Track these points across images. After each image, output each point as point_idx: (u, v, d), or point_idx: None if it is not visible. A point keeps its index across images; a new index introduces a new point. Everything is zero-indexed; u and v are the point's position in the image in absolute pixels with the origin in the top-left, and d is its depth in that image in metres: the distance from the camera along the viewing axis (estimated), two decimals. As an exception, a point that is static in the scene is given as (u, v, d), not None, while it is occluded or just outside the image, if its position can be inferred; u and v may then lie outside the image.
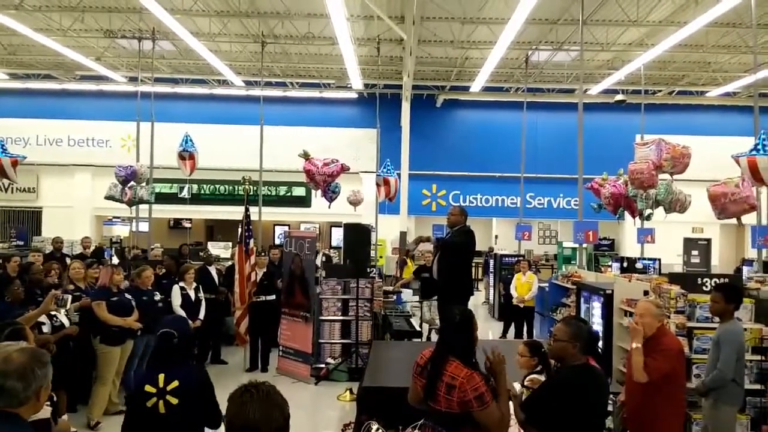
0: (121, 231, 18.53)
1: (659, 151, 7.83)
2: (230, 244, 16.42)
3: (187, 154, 12.72)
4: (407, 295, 11.33)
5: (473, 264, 7.26)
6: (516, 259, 12.88)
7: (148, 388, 3.24)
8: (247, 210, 8.94)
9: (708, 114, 18.95)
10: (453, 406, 3.08)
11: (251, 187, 9.27)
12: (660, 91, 18.50)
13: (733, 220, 8.31)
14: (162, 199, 17.17)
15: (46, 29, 14.08)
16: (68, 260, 9.98)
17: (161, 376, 3.25)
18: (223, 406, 2.02)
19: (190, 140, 13.02)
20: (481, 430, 3.14)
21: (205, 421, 3.33)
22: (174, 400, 3.21)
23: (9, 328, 3.63)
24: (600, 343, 3.78)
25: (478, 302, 15.36)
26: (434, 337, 9.01)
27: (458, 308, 3.46)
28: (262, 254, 9.31)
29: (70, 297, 4.74)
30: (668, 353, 4.12)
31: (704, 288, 5.98)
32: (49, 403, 2.42)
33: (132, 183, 12.35)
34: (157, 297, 7.44)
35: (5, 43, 15.77)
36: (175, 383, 3.24)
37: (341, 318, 8.71)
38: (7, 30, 13.82)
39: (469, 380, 3.08)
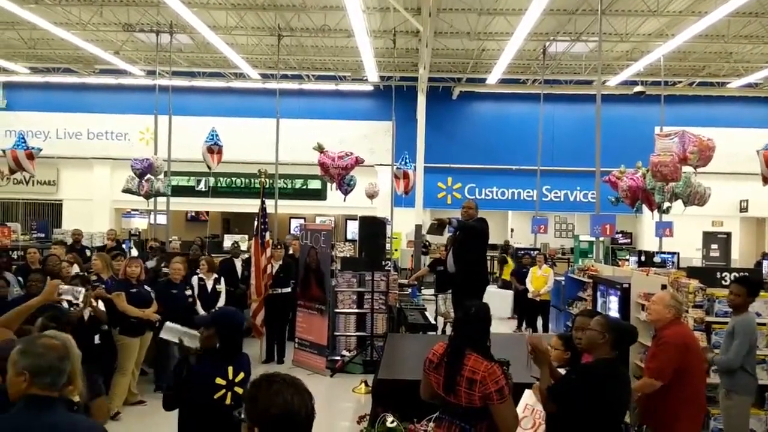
0: (139, 224, 18.72)
1: (683, 143, 7.68)
2: (246, 236, 16.54)
3: (216, 148, 12.84)
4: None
5: (488, 257, 7.25)
6: (527, 252, 12.80)
7: (219, 380, 3.28)
8: (263, 203, 8.99)
9: (729, 105, 18.64)
10: (475, 400, 3.08)
11: (267, 180, 9.32)
12: (680, 82, 18.22)
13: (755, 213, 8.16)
14: (179, 192, 17.33)
15: (65, 23, 14.25)
16: (87, 252, 10.16)
17: (230, 369, 3.31)
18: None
19: (217, 135, 13.14)
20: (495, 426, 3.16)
21: None
22: (240, 390, 3.28)
23: (48, 314, 3.73)
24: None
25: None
26: (449, 331, 9.01)
27: (474, 301, 3.47)
28: (278, 247, 9.36)
29: (82, 290, 4.80)
30: (666, 347, 4.08)
31: (723, 282, 5.90)
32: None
33: (149, 176, 12.46)
34: (189, 292, 7.51)
35: (26, 38, 15.97)
36: (242, 374, 3.34)
37: (356, 311, 8.74)
38: (27, 24, 14.01)
39: (491, 374, 3.09)
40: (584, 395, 3.26)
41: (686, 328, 4.51)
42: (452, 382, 3.15)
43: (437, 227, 6.83)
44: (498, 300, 12.16)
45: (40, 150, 11.68)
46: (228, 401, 3.28)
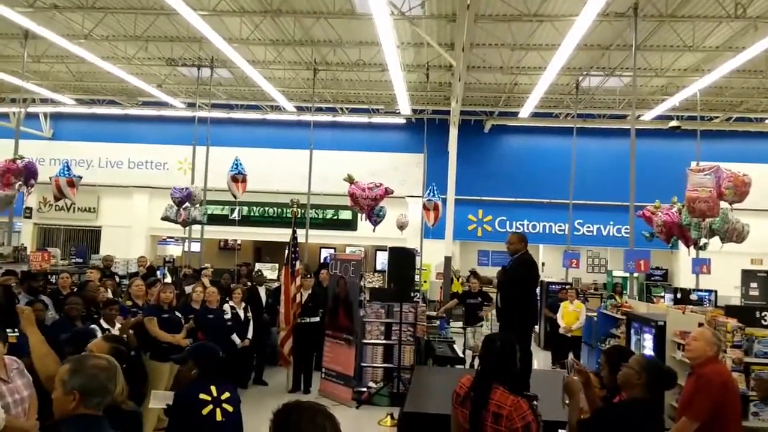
0: (174, 251, 19.15)
1: (717, 179, 7.54)
2: (276, 265, 16.72)
3: (240, 177, 13.15)
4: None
5: (536, 298, 6.95)
6: (563, 286, 12.62)
7: (203, 396, 3.43)
8: (294, 232, 9.12)
9: (767, 141, 18.25)
10: None
11: (299, 210, 9.48)
12: (716, 117, 17.94)
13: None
14: (213, 220, 17.69)
15: (112, 57, 14.89)
16: (117, 278, 10.41)
17: (213, 387, 3.48)
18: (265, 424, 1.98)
19: (241, 164, 13.47)
20: None
21: None
22: (230, 408, 3.47)
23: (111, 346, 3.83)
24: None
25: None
26: (477, 364, 8.88)
27: (500, 334, 3.45)
28: (308, 276, 9.44)
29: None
30: (705, 386, 3.96)
31: (763, 322, 5.72)
32: None
33: (186, 204, 12.79)
34: (227, 316, 7.67)
35: (74, 71, 16.72)
36: (227, 394, 3.52)
37: (384, 342, 8.71)
38: (75, 58, 14.68)
39: (517, 408, 3.05)
40: None
41: (724, 366, 4.39)
42: (478, 417, 3.11)
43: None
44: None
45: (81, 178, 12.13)
46: (219, 417, 3.41)
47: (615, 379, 3.71)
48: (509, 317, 6.33)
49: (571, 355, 3.76)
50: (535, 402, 3.23)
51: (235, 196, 13.39)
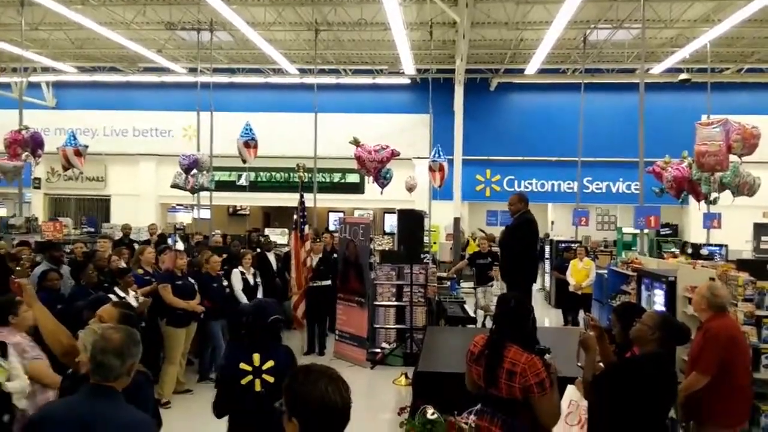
0: (183, 218, 19.22)
1: (727, 132, 7.43)
2: (286, 230, 16.78)
3: (253, 143, 13.03)
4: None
5: (536, 257, 7.15)
6: (569, 245, 12.62)
7: (243, 366, 3.38)
8: (301, 196, 9.12)
9: (780, 92, 17.90)
10: (515, 392, 3.09)
11: (306, 174, 9.44)
12: (728, 68, 17.57)
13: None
14: (221, 186, 17.68)
15: (110, 23, 14.67)
16: (135, 246, 10.50)
17: (256, 356, 3.40)
18: None
19: (252, 129, 13.32)
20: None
21: None
22: (270, 379, 3.37)
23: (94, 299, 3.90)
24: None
25: (534, 289, 15.17)
26: (489, 324, 8.98)
27: (513, 294, 3.48)
28: (318, 240, 9.48)
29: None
30: (712, 340, 4.02)
31: (775, 276, 5.70)
32: None
33: (194, 171, 12.77)
34: (225, 283, 7.76)
35: (73, 38, 16.51)
36: (271, 363, 3.40)
37: (396, 303, 8.80)
38: (74, 25, 14.47)
39: (531, 366, 3.09)
40: (627, 388, 3.24)
41: (732, 320, 4.42)
42: (493, 374, 3.16)
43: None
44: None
45: (87, 147, 12.10)
46: (258, 388, 3.36)
47: (626, 336, 3.76)
48: (512, 275, 6.45)
49: (585, 313, 3.84)
50: (547, 355, 3.26)
51: (245, 161, 13.28)
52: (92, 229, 15.13)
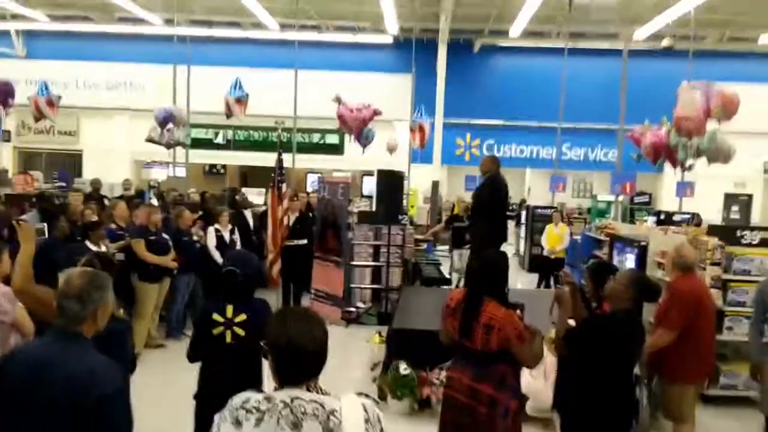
0: (158, 175, 18.88)
1: (707, 97, 7.48)
2: (263, 190, 16.60)
3: (245, 99, 12.66)
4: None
5: (505, 214, 7.15)
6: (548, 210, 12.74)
7: (216, 316, 3.39)
8: (279, 154, 8.98)
9: (760, 61, 18.00)
10: (491, 345, 3.16)
11: (284, 134, 9.30)
12: (710, 37, 17.57)
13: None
14: (197, 144, 17.37)
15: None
16: (106, 201, 10.31)
17: (229, 308, 3.39)
18: None
19: (242, 85, 12.88)
20: (513, 366, 3.24)
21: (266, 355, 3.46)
22: (241, 332, 3.37)
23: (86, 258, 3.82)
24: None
25: (509, 254, 15.35)
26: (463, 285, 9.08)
27: (493, 250, 3.51)
28: (296, 198, 9.40)
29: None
30: (678, 298, 4.13)
31: (742, 240, 5.84)
32: None
33: (170, 125, 12.48)
34: (196, 238, 7.69)
35: (44, -15, 15.85)
36: (243, 316, 3.38)
37: (372, 263, 8.83)
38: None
39: (509, 320, 3.17)
40: (600, 342, 3.32)
41: (698, 280, 4.52)
42: (468, 327, 3.22)
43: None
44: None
45: (60, 97, 11.72)
46: (228, 339, 3.37)
47: (598, 294, 3.83)
48: (478, 235, 6.52)
49: (563, 272, 3.92)
50: (519, 311, 3.34)
51: (228, 117, 12.91)
52: (63, 184, 14.78)
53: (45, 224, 6.19)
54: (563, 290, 3.75)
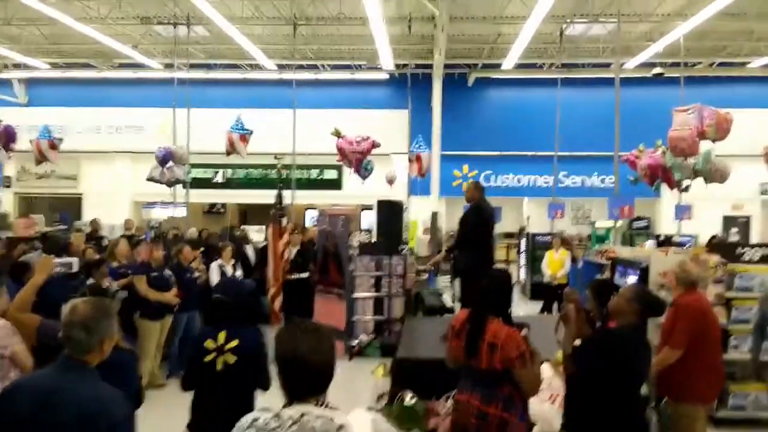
0: (159, 215, 18.97)
1: (701, 117, 7.61)
2: (263, 227, 16.64)
3: (249, 136, 12.87)
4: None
5: (492, 240, 7.02)
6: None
7: (209, 343, 3.36)
8: (280, 188, 9.09)
9: (750, 86, 18.28)
10: (495, 364, 3.15)
11: (284, 170, 9.41)
12: (700, 63, 17.90)
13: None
14: (197, 184, 17.51)
15: (85, 18, 14.41)
16: (105, 242, 10.35)
17: (222, 334, 3.37)
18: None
19: (243, 123, 13.12)
20: (518, 389, 3.21)
21: (257, 383, 3.43)
22: (232, 359, 3.33)
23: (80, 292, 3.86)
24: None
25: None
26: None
27: (498, 270, 3.53)
28: (295, 232, 9.44)
29: (76, 260, 4.85)
30: (684, 314, 4.10)
31: (743, 258, 5.85)
32: None
33: (170, 163, 12.63)
34: (197, 274, 7.69)
35: (46, 33, 16.20)
36: (235, 342, 3.35)
37: (374, 294, 8.79)
38: (47, 20, 14.20)
39: (512, 339, 3.16)
40: (608, 358, 3.30)
41: (702, 296, 4.51)
42: (474, 347, 3.21)
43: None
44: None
45: (62, 140, 11.88)
46: (219, 367, 3.32)
47: (602, 312, 3.82)
48: (464, 263, 6.49)
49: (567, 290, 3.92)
50: (525, 330, 3.33)
51: (228, 154, 13.05)
52: (65, 227, 14.87)
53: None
54: (569, 308, 3.75)
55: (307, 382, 1.88)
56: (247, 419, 1.90)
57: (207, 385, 3.37)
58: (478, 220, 6.51)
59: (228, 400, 3.23)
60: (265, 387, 3.37)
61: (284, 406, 1.90)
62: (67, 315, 2.38)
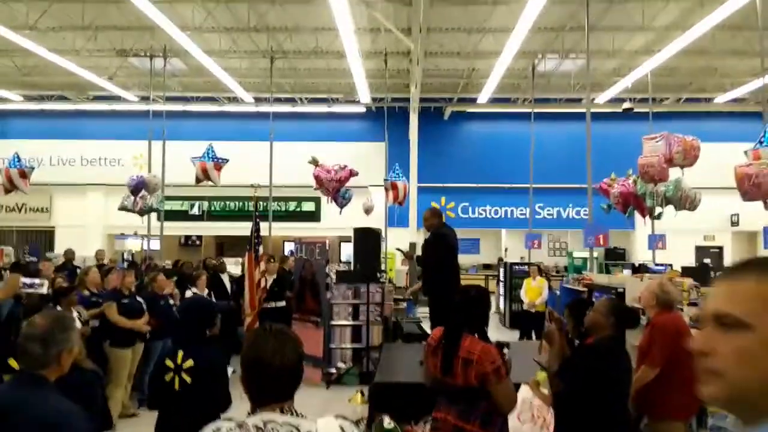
0: (132, 245, 18.65)
1: (669, 144, 7.85)
2: (240, 259, 16.46)
3: (223, 163, 12.76)
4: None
5: (456, 268, 6.83)
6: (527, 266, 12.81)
7: (168, 362, 3.30)
8: (256, 217, 9.01)
9: (716, 121, 18.88)
10: (471, 380, 3.10)
11: (260, 201, 9.36)
12: (667, 98, 18.50)
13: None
14: (173, 216, 17.30)
15: (59, 49, 14.37)
16: (78, 272, 10.10)
17: (180, 353, 3.30)
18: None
19: (214, 151, 13.03)
20: (494, 406, 3.16)
21: (214, 404, 3.30)
22: (188, 379, 3.24)
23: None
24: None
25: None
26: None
27: (474, 286, 3.51)
28: (272, 260, 9.34)
29: (46, 282, 4.73)
30: (660, 333, 4.13)
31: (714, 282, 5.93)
32: None
33: (143, 192, 12.47)
34: (172, 302, 7.53)
35: (20, 65, 16.11)
36: (190, 362, 3.27)
37: (352, 323, 8.70)
38: (21, 51, 14.13)
39: (486, 353, 3.12)
40: (591, 371, 3.31)
41: (678, 316, 4.54)
42: (449, 363, 3.16)
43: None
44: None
45: (33, 168, 11.69)
46: (176, 386, 3.25)
47: (579, 330, 3.83)
48: (432, 290, 6.38)
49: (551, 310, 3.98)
50: (506, 349, 3.30)
51: (198, 182, 12.90)
52: (35, 258, 14.51)
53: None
54: (552, 328, 3.76)
55: (270, 386, 1.82)
56: (209, 428, 1.82)
57: (169, 404, 3.30)
58: (439, 246, 6.30)
59: (189, 419, 3.12)
60: (223, 408, 3.26)
61: (249, 415, 1.83)
62: (24, 328, 2.31)
